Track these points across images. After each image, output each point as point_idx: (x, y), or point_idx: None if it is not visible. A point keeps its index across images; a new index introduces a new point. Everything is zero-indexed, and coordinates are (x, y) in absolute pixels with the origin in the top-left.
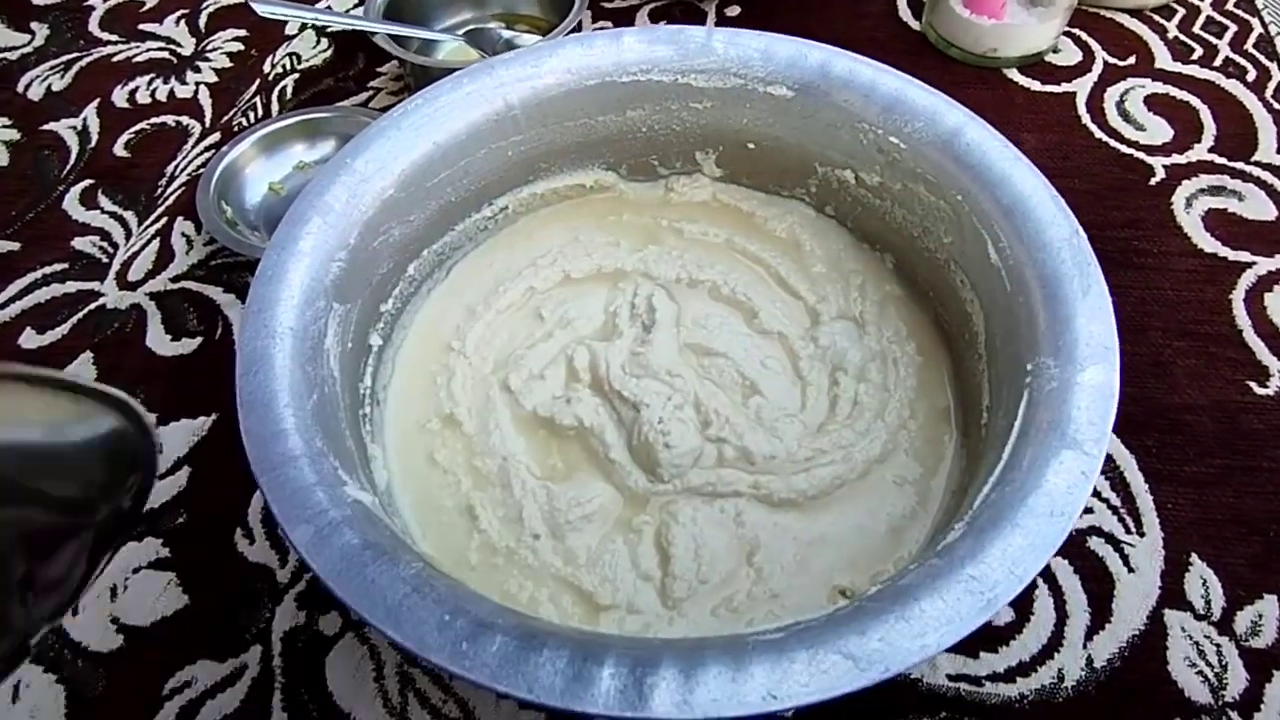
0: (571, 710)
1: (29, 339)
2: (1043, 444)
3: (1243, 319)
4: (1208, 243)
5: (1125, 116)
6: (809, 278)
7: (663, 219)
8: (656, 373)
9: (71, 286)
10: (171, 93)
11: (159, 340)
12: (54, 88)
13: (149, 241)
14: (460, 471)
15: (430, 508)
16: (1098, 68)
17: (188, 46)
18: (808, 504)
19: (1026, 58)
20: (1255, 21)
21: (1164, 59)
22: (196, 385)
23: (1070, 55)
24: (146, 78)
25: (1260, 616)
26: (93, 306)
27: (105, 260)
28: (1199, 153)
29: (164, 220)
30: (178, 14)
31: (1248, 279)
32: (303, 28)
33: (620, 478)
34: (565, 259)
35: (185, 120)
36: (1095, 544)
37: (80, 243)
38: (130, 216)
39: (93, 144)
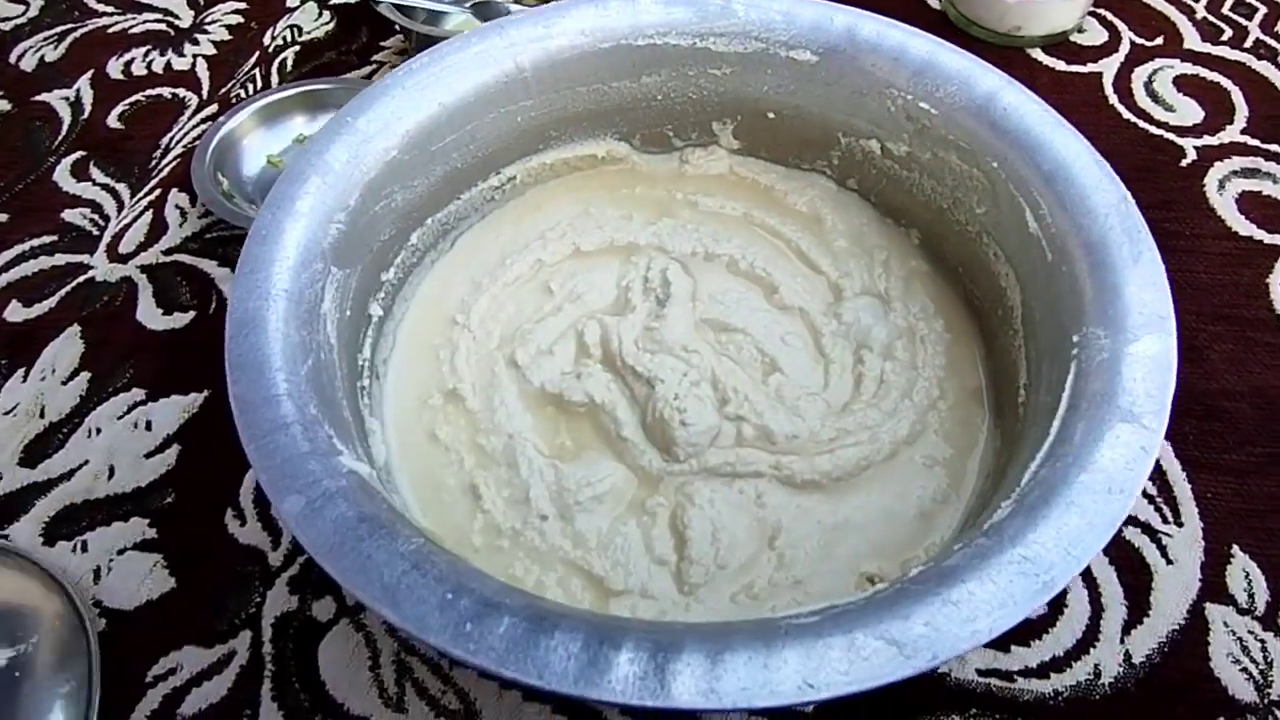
0: (586, 698)
1: (15, 312)
2: (1096, 417)
3: None
4: (1242, 225)
5: (1154, 97)
6: (831, 253)
7: (677, 192)
8: (671, 348)
9: (60, 259)
10: (168, 65)
11: (150, 314)
12: (47, 58)
13: (141, 213)
14: (463, 449)
15: (431, 486)
16: (1124, 48)
17: (185, 18)
18: (832, 486)
19: (1051, 37)
20: None
21: (1193, 40)
22: (188, 360)
23: (1096, 35)
24: (142, 49)
25: None
26: (81, 279)
27: (96, 233)
28: (1231, 134)
29: (157, 192)
30: None
31: None
32: None
33: (633, 457)
34: (575, 232)
35: (182, 92)
36: (1131, 534)
37: (70, 215)
38: (122, 189)
39: (85, 115)
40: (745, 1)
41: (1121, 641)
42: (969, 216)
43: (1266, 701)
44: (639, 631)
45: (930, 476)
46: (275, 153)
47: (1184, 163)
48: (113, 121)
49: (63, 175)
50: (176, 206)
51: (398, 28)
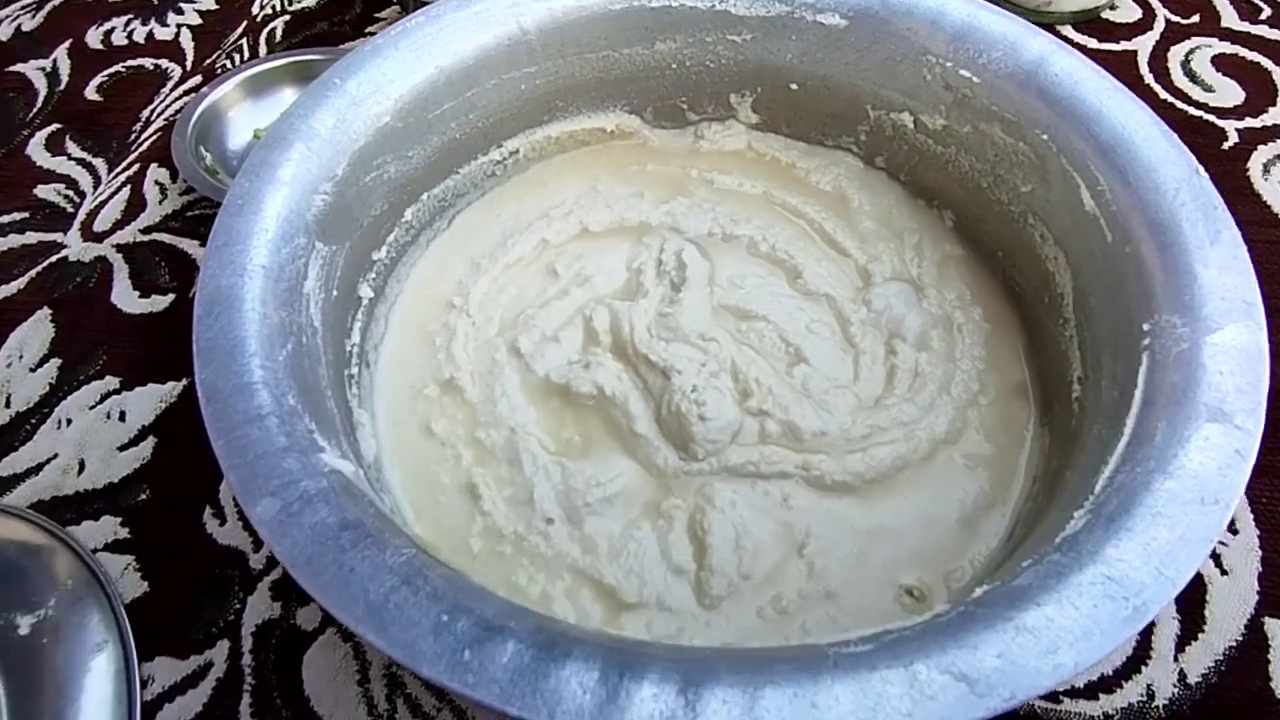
0: None
1: None
2: (1178, 416)
3: None
4: None
5: (1192, 77)
6: (858, 235)
7: (691, 169)
8: (687, 336)
9: (31, 237)
10: (150, 34)
11: (125, 297)
12: (24, 28)
13: (119, 189)
14: (461, 444)
15: (425, 485)
16: (1159, 26)
17: None
18: (865, 488)
19: (1082, 13)
20: None
21: (1230, 18)
22: (166, 347)
23: (1129, 12)
24: (123, 18)
25: None
26: (53, 259)
27: (70, 209)
28: (1275, 116)
29: (136, 167)
30: None
31: None
32: None
33: (647, 454)
34: (582, 210)
35: (164, 63)
36: None
37: (44, 190)
38: (99, 163)
39: (62, 86)
40: None
41: (1175, 659)
42: (1012, 195)
43: None
44: (664, 660)
45: (972, 478)
46: (262, 126)
47: (1225, 146)
48: (91, 93)
49: (36, 149)
50: (156, 182)
51: None
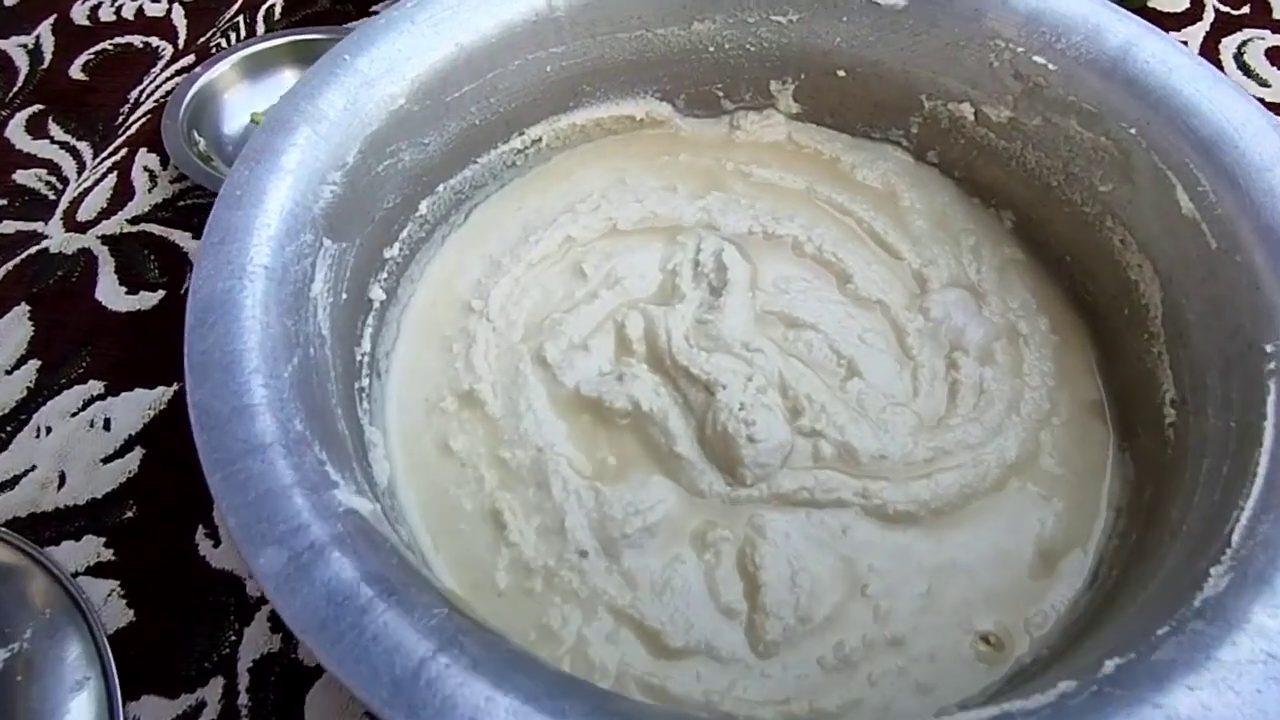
0: None
1: None
2: None
3: None
4: None
5: (1246, 70)
6: (910, 236)
7: (726, 161)
8: (730, 345)
9: (9, 227)
10: (140, 10)
11: (111, 293)
12: (5, 2)
13: (104, 176)
14: (483, 465)
15: (444, 511)
16: (1208, 16)
17: None
18: (931, 519)
19: (1128, 2)
20: None
21: None
22: (155, 348)
23: (1176, 1)
24: None
25: None
26: (33, 250)
27: (52, 197)
28: None
29: (124, 152)
30: None
31: None
32: None
33: (690, 478)
34: (610, 205)
35: (154, 41)
36: None
37: (23, 176)
38: (84, 147)
39: (45, 65)
40: None
41: None
42: (1087, 195)
43: None
44: None
45: (1047, 510)
46: (260, 110)
47: None
48: (75, 72)
49: (16, 132)
50: (145, 169)
51: None
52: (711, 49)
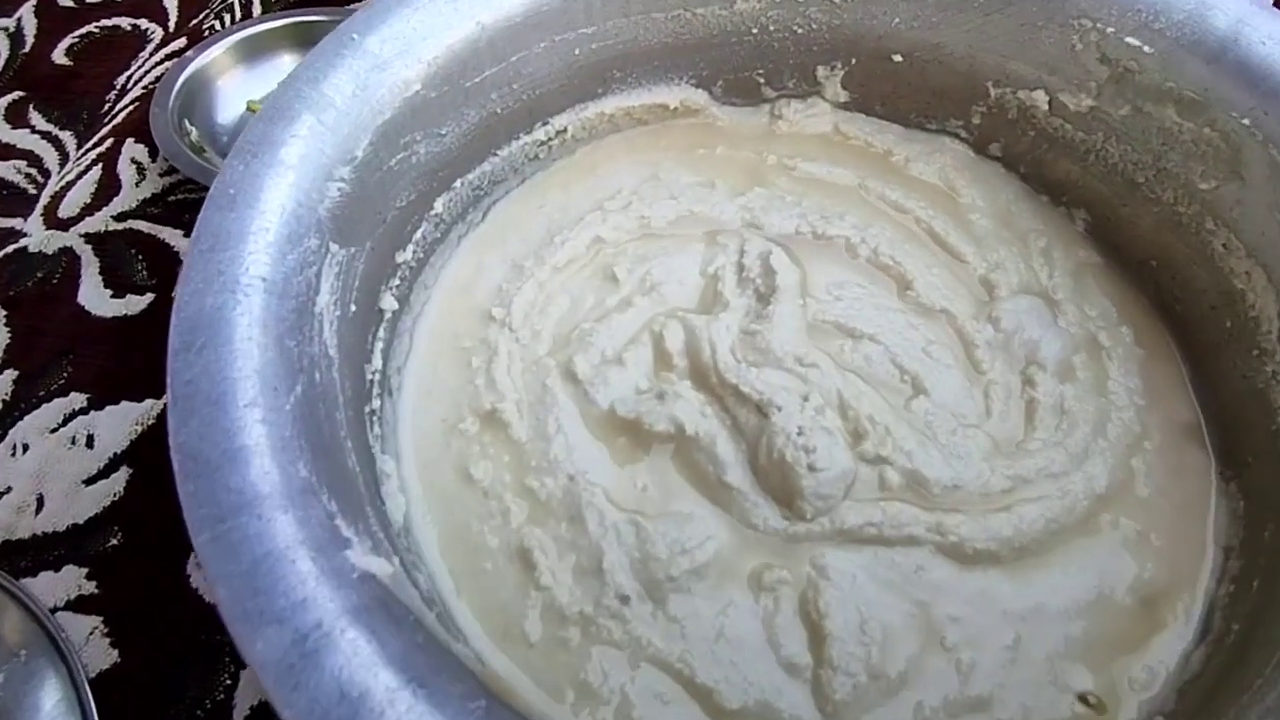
0: None
1: None
2: None
3: None
4: None
5: None
6: (973, 237)
7: (768, 154)
8: (780, 360)
9: None
10: None
11: (95, 296)
12: None
13: (89, 168)
14: (509, 495)
15: (467, 548)
16: None
17: None
18: (1014, 559)
19: None
20: None
21: None
22: (142, 357)
23: None
24: None
25: None
26: (11, 249)
27: (32, 191)
28: None
29: (110, 143)
30: None
31: None
32: None
33: (742, 511)
34: (642, 202)
35: (143, 24)
36: None
37: (2, 169)
38: (68, 137)
39: (27, 49)
40: None
41: None
42: (1183, 193)
43: None
44: None
45: (1144, 549)
46: (257, 98)
47: None
48: (59, 57)
49: None
50: (133, 161)
51: None
52: (755, 30)
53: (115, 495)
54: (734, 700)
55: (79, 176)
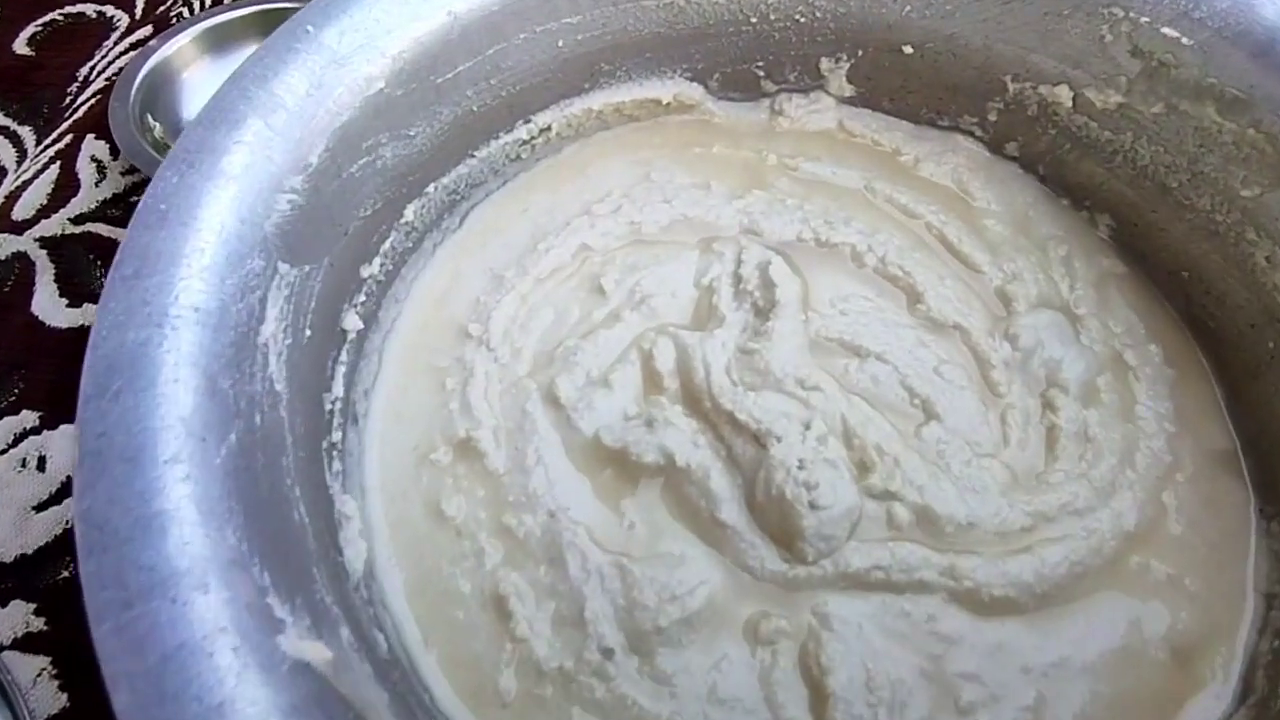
0: None
1: None
2: None
3: None
4: None
5: None
6: (987, 244)
7: (768, 153)
8: (780, 382)
9: None
10: None
11: (50, 305)
12: None
13: (46, 166)
14: (484, 535)
15: (436, 596)
16: None
17: None
18: (1035, 606)
19: None
20: None
21: None
22: None
23: None
24: None
25: None
26: None
27: None
28: None
29: (69, 139)
30: None
31: None
32: None
33: (737, 553)
34: (633, 206)
35: (110, 10)
36: None
37: None
38: (26, 133)
39: None
40: None
41: None
42: (1221, 200)
43: None
44: None
45: (1177, 595)
46: None
47: None
48: (20, 46)
49: None
50: (93, 159)
51: None
52: (754, 19)
53: (68, 523)
54: None
55: (36, 175)
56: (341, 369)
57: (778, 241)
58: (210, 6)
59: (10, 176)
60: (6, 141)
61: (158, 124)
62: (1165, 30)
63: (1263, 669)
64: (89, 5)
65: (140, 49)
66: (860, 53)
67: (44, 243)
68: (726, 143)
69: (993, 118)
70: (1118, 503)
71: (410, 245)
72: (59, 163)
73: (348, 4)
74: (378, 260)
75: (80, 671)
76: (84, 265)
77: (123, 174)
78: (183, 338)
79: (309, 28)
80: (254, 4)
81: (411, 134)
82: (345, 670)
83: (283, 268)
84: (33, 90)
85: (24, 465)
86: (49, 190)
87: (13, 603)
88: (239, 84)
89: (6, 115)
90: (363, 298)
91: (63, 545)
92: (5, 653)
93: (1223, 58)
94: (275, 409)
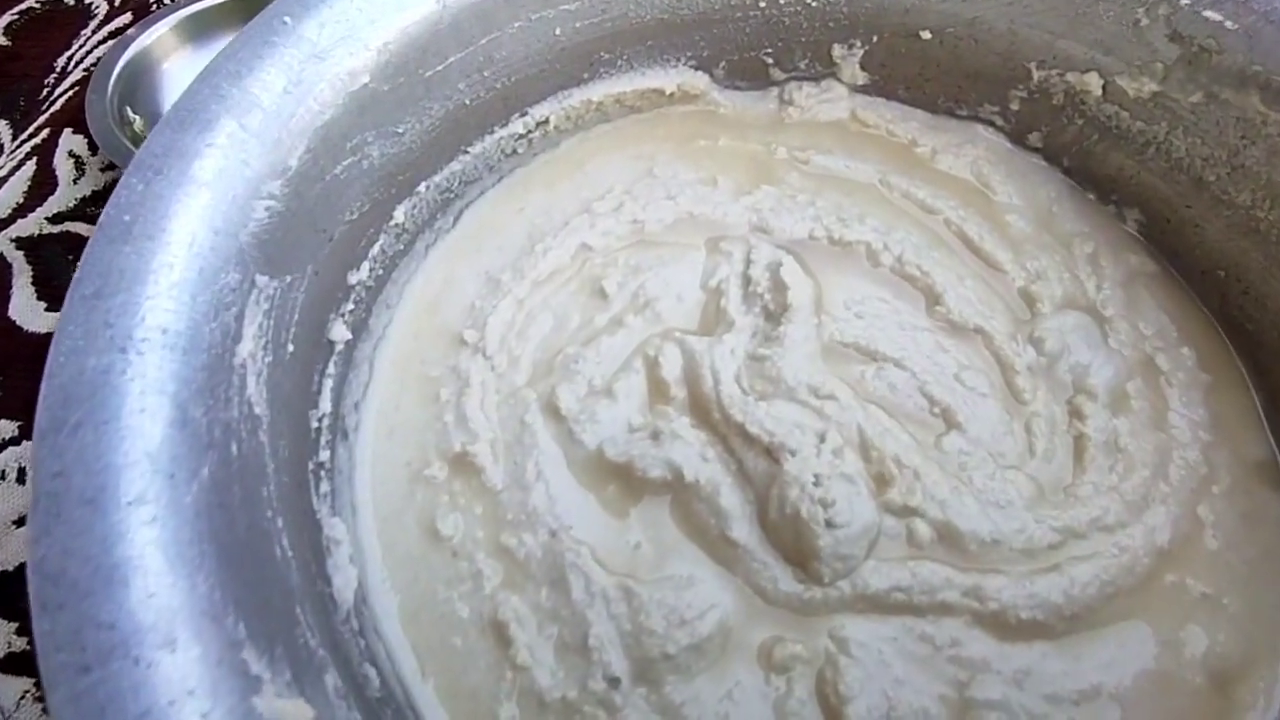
0: None
1: None
2: None
3: None
4: None
5: None
6: (1009, 241)
7: (777, 146)
8: (793, 390)
9: None
10: None
11: (27, 309)
12: None
13: (22, 163)
14: (481, 556)
15: (433, 621)
16: None
17: None
18: (1064, 629)
19: None
20: None
21: None
22: None
23: None
24: None
25: None
26: None
27: None
28: None
29: (46, 133)
30: None
31: None
32: None
33: (749, 574)
34: (635, 203)
35: None
36: None
37: None
38: (3, 127)
39: None
40: None
41: None
42: (1263, 195)
43: None
44: None
45: (1215, 615)
46: None
47: None
48: None
49: None
50: (71, 154)
51: None
52: (763, 3)
53: None
54: None
55: (11, 173)
56: (329, 382)
57: (788, 240)
58: None
59: None
60: None
61: (138, 117)
62: (1207, 14)
63: None
64: None
65: (118, 38)
66: (875, 38)
67: (20, 243)
68: (733, 135)
69: (1015, 107)
70: (1150, 517)
71: (401, 248)
72: (36, 159)
73: None
74: (366, 265)
75: None
76: (62, 266)
77: (102, 170)
78: (149, 363)
79: (286, 19)
80: None
81: (400, 131)
82: None
83: (261, 280)
84: (10, 82)
85: (3, 477)
86: (25, 188)
87: None
88: (210, 81)
89: None
90: (351, 306)
91: None
92: None
93: (1270, 43)
94: (255, 434)
